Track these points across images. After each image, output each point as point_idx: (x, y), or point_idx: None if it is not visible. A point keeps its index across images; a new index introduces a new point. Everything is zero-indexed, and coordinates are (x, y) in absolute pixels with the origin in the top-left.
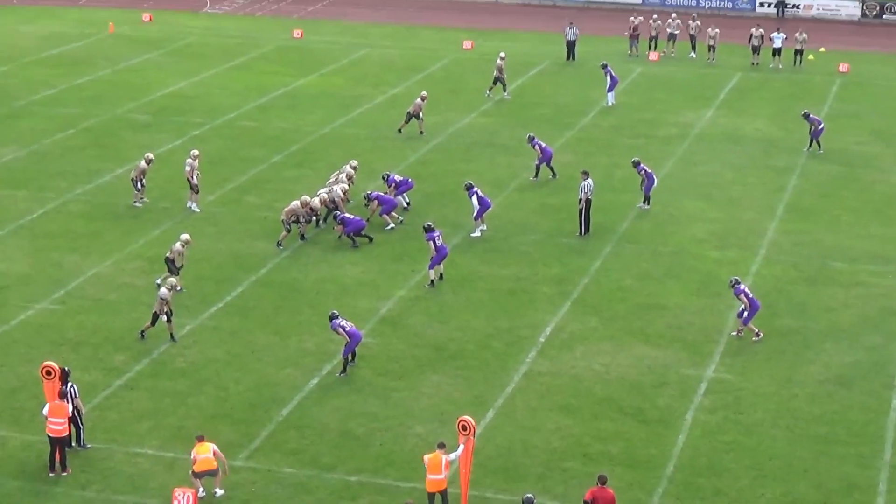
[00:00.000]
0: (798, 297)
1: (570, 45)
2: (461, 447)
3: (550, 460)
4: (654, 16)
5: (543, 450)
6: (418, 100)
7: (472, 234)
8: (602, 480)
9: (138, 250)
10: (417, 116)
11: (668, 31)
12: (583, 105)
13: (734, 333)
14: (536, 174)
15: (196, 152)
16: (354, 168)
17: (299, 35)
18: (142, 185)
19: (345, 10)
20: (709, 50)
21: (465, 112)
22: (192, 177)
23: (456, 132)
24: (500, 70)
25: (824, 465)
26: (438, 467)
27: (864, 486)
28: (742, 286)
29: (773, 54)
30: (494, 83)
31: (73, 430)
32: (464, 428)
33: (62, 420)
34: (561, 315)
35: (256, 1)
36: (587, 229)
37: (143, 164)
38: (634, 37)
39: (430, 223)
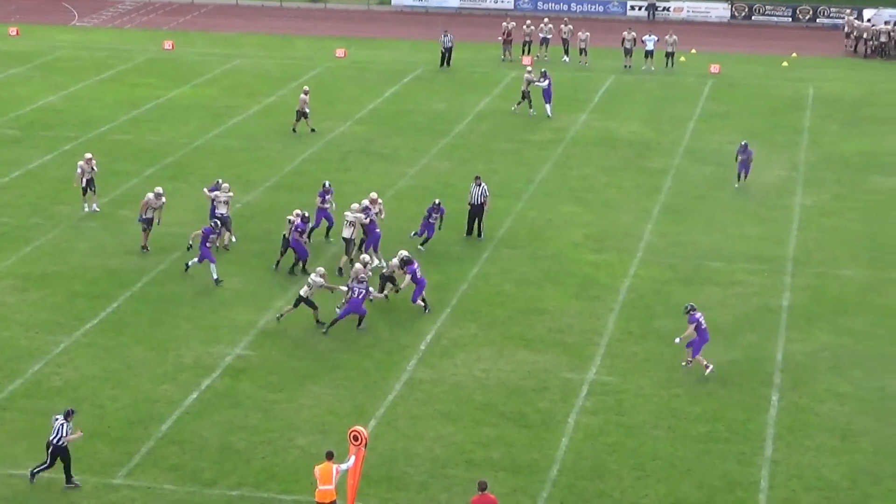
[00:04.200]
0: (676, 298)
1: (446, 52)
2: (352, 458)
3: (433, 468)
4: (527, 21)
5: (426, 458)
6: (302, 95)
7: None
8: (482, 487)
9: (9, 268)
10: (305, 115)
11: (541, 35)
12: (458, 112)
13: (683, 364)
14: None
15: (89, 155)
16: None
17: (170, 46)
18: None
19: (216, 21)
20: (580, 53)
21: (340, 121)
22: (82, 180)
23: (331, 141)
24: (527, 84)
25: (706, 464)
26: (329, 477)
27: (746, 483)
28: (697, 314)
29: (646, 57)
30: (523, 98)
31: None
32: (355, 438)
33: None
34: (441, 322)
35: (126, 13)
36: (477, 233)
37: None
38: (508, 42)
39: (408, 255)
